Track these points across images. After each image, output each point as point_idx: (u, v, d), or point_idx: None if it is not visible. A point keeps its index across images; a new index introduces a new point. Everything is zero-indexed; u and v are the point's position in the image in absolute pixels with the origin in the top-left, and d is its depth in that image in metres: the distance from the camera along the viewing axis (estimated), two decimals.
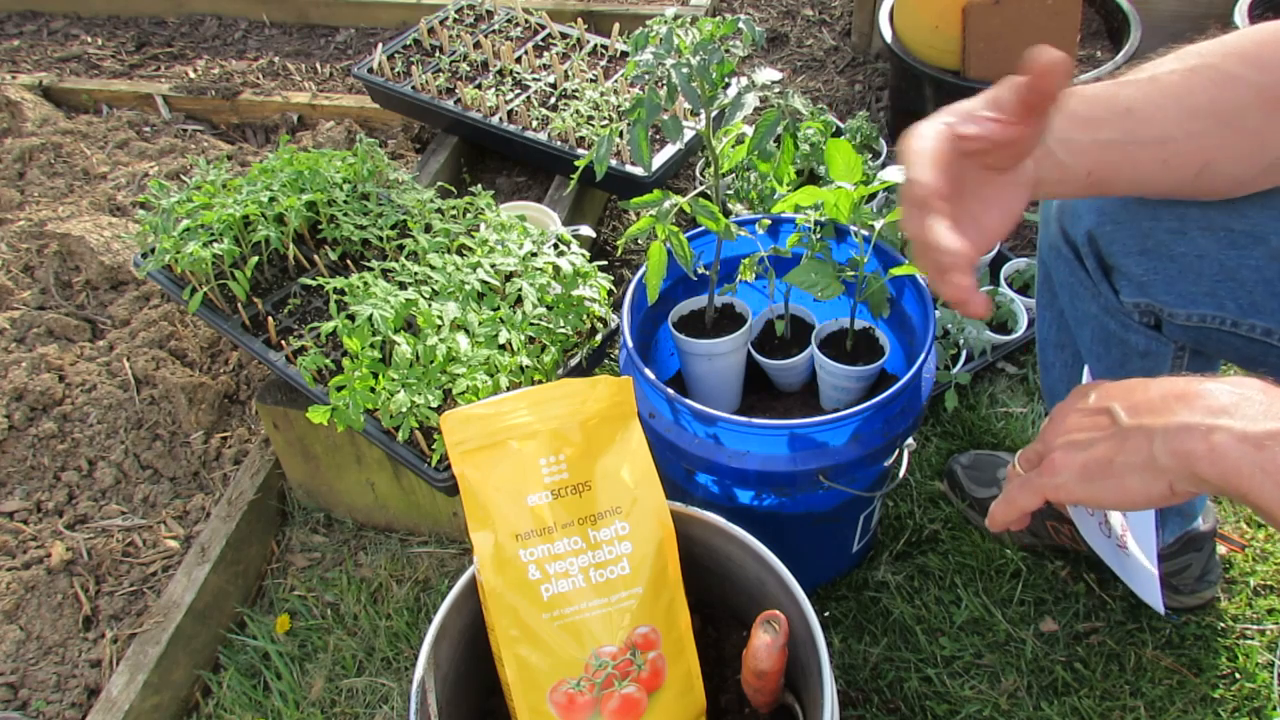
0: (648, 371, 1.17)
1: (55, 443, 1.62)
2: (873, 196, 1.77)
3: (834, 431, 1.12)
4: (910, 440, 1.25)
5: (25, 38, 2.84)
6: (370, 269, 1.39)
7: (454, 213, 1.55)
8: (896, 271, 1.23)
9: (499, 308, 1.34)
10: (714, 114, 1.21)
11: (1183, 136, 0.82)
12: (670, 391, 1.14)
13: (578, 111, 1.90)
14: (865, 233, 1.24)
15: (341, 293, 1.36)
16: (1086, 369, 1.00)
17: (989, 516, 0.79)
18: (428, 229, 1.52)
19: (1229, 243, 0.88)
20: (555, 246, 1.45)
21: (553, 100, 1.98)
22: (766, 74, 1.17)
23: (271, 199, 1.50)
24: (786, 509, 1.25)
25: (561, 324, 1.34)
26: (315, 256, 1.55)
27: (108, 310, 1.84)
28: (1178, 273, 0.92)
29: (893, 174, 1.12)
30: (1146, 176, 0.84)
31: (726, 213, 1.82)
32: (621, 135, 1.68)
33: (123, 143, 2.29)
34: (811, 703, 0.96)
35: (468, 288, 1.33)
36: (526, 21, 2.24)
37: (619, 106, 1.92)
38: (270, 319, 1.44)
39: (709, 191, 1.33)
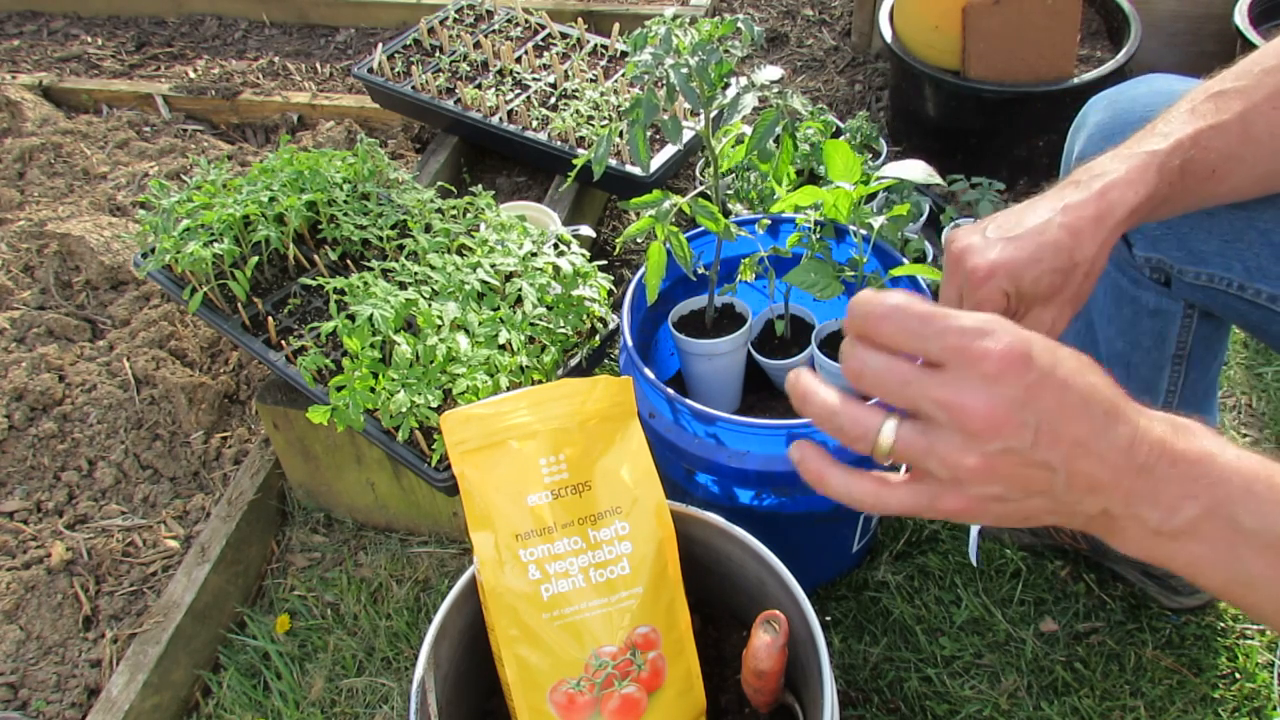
0: (648, 371, 1.17)
1: (55, 443, 1.62)
2: (872, 196, 1.78)
3: None
4: None
5: (25, 38, 2.84)
6: (370, 269, 1.39)
7: (454, 213, 1.55)
8: (896, 272, 1.23)
9: (499, 308, 1.34)
10: (713, 114, 1.21)
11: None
12: (670, 391, 1.14)
13: (578, 111, 1.90)
14: (865, 233, 1.24)
15: (341, 293, 1.36)
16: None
17: (858, 503, 0.58)
18: (428, 229, 1.52)
19: (1239, 203, 0.88)
20: (555, 246, 1.45)
21: (553, 100, 1.98)
22: (767, 73, 1.17)
23: (271, 199, 1.50)
24: (786, 509, 1.25)
25: (561, 324, 1.34)
26: (315, 256, 1.55)
27: (108, 310, 1.84)
28: (1189, 230, 0.92)
29: (894, 170, 1.12)
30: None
31: (726, 213, 1.82)
32: (621, 135, 1.68)
33: (123, 143, 2.29)
34: (811, 703, 0.96)
35: (468, 288, 1.33)
36: (526, 21, 2.24)
37: (619, 106, 1.92)
38: (270, 319, 1.44)
39: (709, 191, 1.32)
